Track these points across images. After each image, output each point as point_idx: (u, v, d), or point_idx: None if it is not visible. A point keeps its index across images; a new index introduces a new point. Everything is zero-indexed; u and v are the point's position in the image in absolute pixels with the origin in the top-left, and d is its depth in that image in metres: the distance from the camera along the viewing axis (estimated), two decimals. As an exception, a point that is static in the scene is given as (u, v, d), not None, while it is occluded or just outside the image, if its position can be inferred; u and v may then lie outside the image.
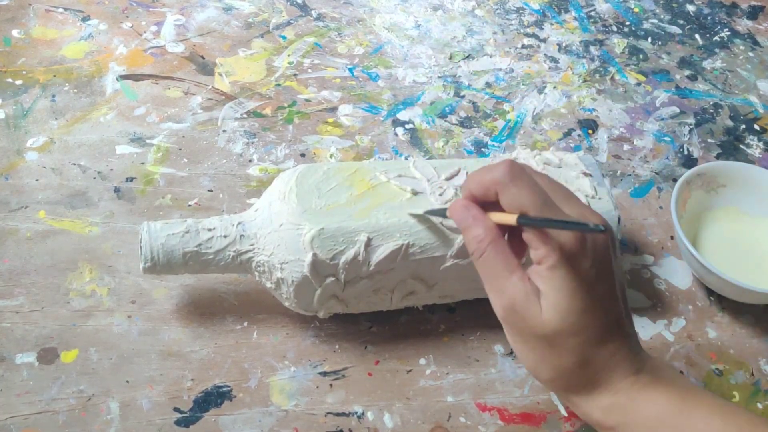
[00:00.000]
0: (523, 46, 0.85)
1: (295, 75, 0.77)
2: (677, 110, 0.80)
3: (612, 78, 0.83)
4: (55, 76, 0.73)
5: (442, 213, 0.49)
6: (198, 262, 0.52)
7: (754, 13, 0.95)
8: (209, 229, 0.52)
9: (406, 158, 0.71)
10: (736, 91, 0.83)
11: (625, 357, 0.43)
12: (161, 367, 0.54)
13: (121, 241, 0.60)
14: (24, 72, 0.73)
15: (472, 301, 0.58)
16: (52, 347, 0.54)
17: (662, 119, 0.79)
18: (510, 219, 0.42)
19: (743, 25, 0.93)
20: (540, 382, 0.46)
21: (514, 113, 0.77)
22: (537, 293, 0.41)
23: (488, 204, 0.44)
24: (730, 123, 0.79)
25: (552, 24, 0.89)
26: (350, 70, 0.79)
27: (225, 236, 0.52)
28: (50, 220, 0.61)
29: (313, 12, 0.85)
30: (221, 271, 0.53)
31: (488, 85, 0.80)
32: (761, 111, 0.81)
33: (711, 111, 0.80)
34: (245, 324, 0.57)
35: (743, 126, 0.79)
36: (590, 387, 0.43)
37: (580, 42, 0.87)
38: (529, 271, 0.42)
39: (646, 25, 0.91)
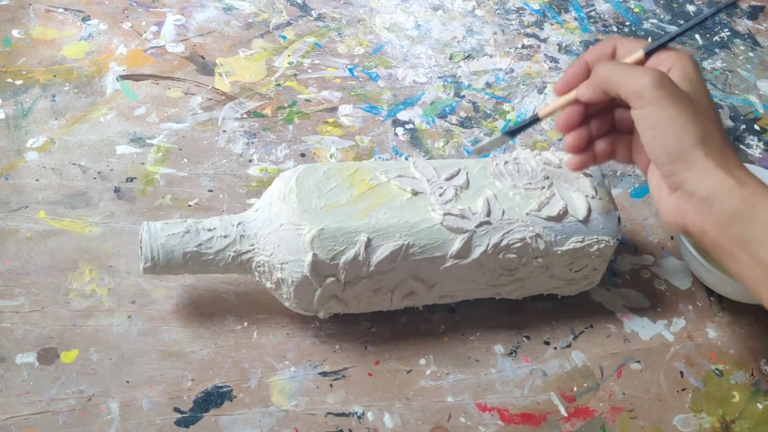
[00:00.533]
0: (523, 46, 0.85)
1: (295, 75, 0.77)
2: (677, 110, 0.80)
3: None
4: (55, 76, 0.73)
5: (533, 119, 0.56)
6: (198, 263, 0.52)
7: (754, 13, 0.95)
8: (209, 230, 0.52)
9: (406, 158, 0.71)
10: (736, 91, 0.83)
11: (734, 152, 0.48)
12: (161, 367, 0.54)
13: (121, 241, 0.60)
14: (24, 72, 0.73)
15: (472, 301, 0.58)
16: (52, 347, 0.54)
17: (662, 119, 0.78)
18: (637, 55, 0.51)
19: (743, 25, 0.93)
20: (676, 150, 0.46)
21: (514, 113, 0.77)
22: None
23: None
24: (730, 123, 0.79)
25: (552, 24, 0.89)
26: (350, 70, 0.79)
27: (225, 236, 0.52)
28: (50, 220, 0.61)
29: (313, 12, 0.85)
30: (221, 272, 0.53)
31: (488, 85, 0.80)
32: (761, 111, 0.81)
33: (711, 111, 0.80)
34: (245, 324, 0.57)
35: (743, 126, 0.79)
36: (725, 151, 0.47)
37: (581, 42, 0.87)
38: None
39: (646, 25, 0.91)
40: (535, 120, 0.55)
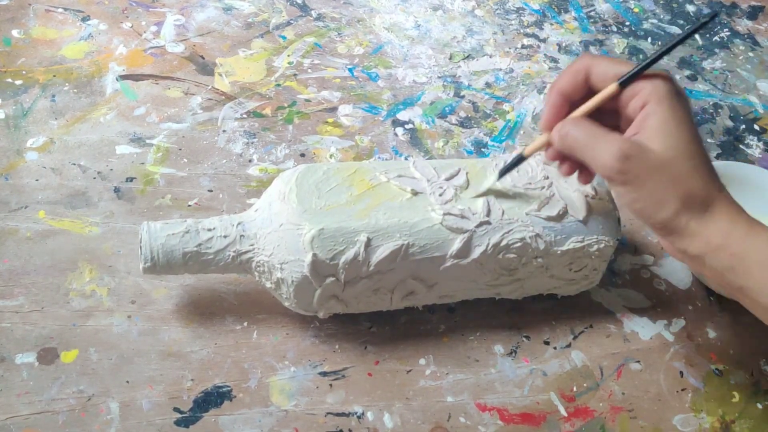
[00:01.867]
0: (523, 46, 0.85)
1: (295, 75, 0.77)
2: (677, 110, 0.80)
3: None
4: (55, 76, 0.73)
5: (518, 159, 0.53)
6: (198, 262, 0.52)
7: (754, 13, 0.95)
8: (209, 230, 0.52)
9: (406, 158, 0.71)
10: (736, 91, 0.83)
11: (723, 188, 0.46)
12: (161, 367, 0.54)
13: (121, 241, 0.60)
14: (24, 72, 0.73)
15: (472, 301, 0.58)
16: (52, 347, 0.54)
17: (662, 119, 0.78)
18: (610, 89, 0.47)
19: (743, 25, 0.93)
20: (658, 223, 0.46)
21: (514, 113, 0.77)
22: (640, 141, 0.45)
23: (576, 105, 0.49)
24: (729, 123, 0.79)
25: (552, 24, 0.89)
26: (350, 70, 0.79)
27: (225, 236, 0.52)
28: (50, 220, 0.61)
29: (313, 12, 0.85)
30: (221, 272, 0.53)
31: (488, 85, 0.80)
32: (761, 111, 0.81)
33: (711, 111, 0.80)
34: (245, 324, 0.57)
35: (743, 126, 0.79)
36: (709, 206, 0.45)
37: (580, 42, 0.87)
38: (634, 123, 0.46)
39: (646, 25, 0.91)
40: (520, 159, 0.53)
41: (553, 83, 0.50)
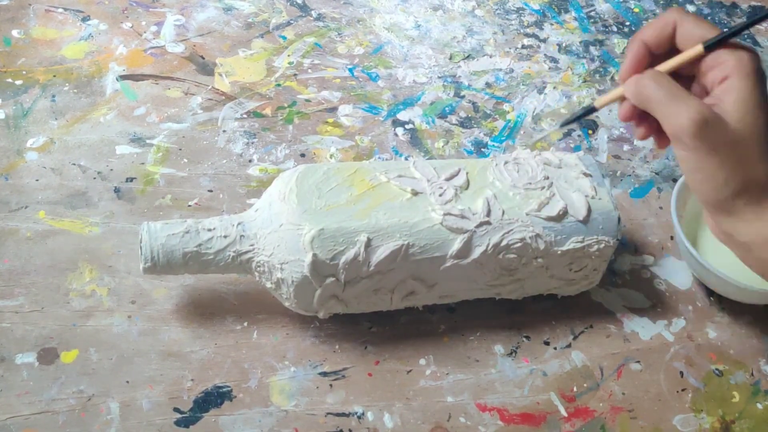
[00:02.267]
0: (523, 47, 0.85)
1: (295, 75, 0.77)
2: (677, 110, 0.80)
3: (612, 78, 0.83)
4: (55, 76, 0.73)
5: (589, 110, 0.51)
6: (198, 263, 0.52)
7: (754, 14, 0.95)
8: (209, 230, 0.52)
9: (406, 158, 0.71)
10: (736, 92, 0.83)
11: None
12: (161, 367, 0.54)
13: (121, 241, 0.60)
14: (24, 72, 0.73)
15: (472, 301, 0.58)
16: (52, 347, 0.54)
17: (662, 119, 0.78)
18: (695, 51, 0.44)
19: (743, 25, 0.92)
20: (712, 200, 0.45)
21: (514, 113, 0.77)
22: (718, 111, 0.43)
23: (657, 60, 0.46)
24: (730, 123, 0.79)
25: (552, 24, 0.89)
26: (350, 70, 0.79)
27: (225, 236, 0.52)
28: (50, 220, 0.61)
29: (313, 12, 0.85)
30: (221, 272, 0.53)
31: (488, 85, 0.80)
32: (761, 111, 0.81)
33: (711, 111, 0.80)
34: (245, 324, 0.57)
35: (743, 126, 0.79)
36: None
37: (580, 42, 0.87)
38: (712, 94, 0.44)
39: (646, 26, 0.90)
40: (590, 110, 0.52)
41: (636, 33, 0.47)
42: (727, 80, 0.43)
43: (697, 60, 0.45)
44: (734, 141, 0.43)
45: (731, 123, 0.43)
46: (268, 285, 0.54)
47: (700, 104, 0.43)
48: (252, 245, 0.52)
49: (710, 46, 0.44)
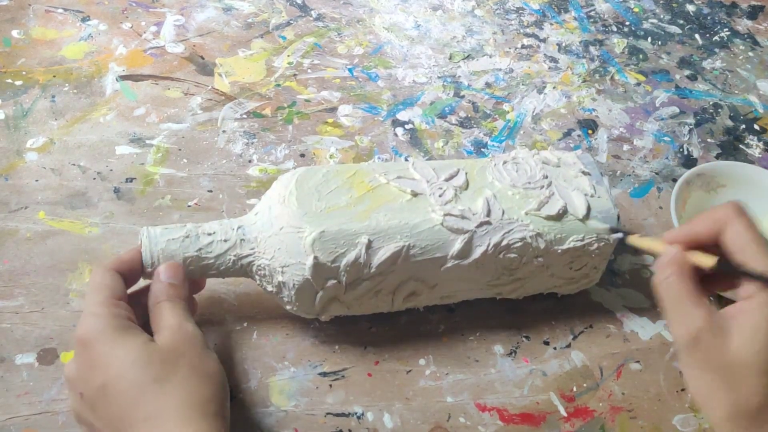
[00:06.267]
0: (522, 46, 0.85)
1: (294, 75, 0.77)
2: (677, 110, 0.80)
3: (612, 78, 0.83)
4: (54, 76, 0.73)
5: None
6: (198, 267, 0.52)
7: (754, 13, 0.95)
8: (209, 234, 0.52)
9: (405, 159, 0.71)
10: (736, 91, 0.83)
11: None
12: (161, 367, 0.54)
13: (120, 242, 0.61)
14: (24, 72, 0.73)
15: (472, 301, 0.58)
16: (51, 348, 0.54)
17: (662, 119, 0.79)
18: (709, 261, 0.44)
19: (743, 25, 0.93)
20: (709, 419, 0.44)
21: (514, 113, 0.77)
22: (723, 328, 0.42)
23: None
24: (729, 123, 0.79)
25: (552, 24, 0.89)
26: (350, 70, 0.79)
27: (225, 240, 0.52)
28: (50, 221, 0.61)
29: (312, 12, 0.85)
30: (222, 276, 0.53)
31: (488, 85, 0.80)
32: (761, 111, 0.81)
33: (711, 111, 0.80)
34: (245, 324, 0.57)
35: (743, 126, 0.79)
36: (762, 428, 0.42)
37: (580, 42, 0.87)
38: (736, 303, 0.43)
39: (645, 25, 0.91)
40: (623, 239, 0.53)
41: (694, 219, 0.46)
42: (748, 300, 0.43)
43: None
44: (729, 364, 0.42)
45: (733, 344, 0.42)
46: (269, 289, 0.54)
47: (701, 319, 0.42)
48: (252, 249, 0.52)
49: (725, 269, 0.44)
